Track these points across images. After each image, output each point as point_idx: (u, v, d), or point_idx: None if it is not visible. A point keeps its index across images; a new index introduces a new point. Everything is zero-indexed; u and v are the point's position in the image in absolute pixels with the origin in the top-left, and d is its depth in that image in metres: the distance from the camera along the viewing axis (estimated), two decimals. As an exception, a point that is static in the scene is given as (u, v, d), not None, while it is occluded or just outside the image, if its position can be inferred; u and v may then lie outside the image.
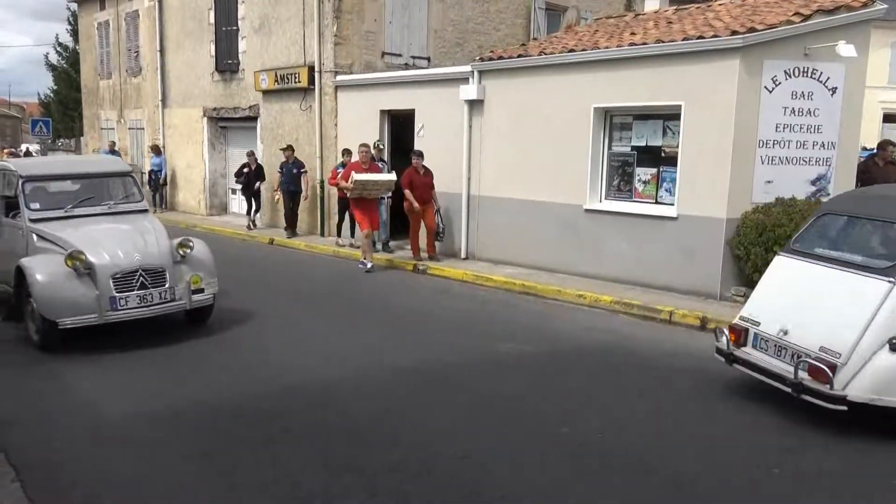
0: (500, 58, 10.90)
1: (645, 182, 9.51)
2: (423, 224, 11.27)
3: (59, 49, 37.40)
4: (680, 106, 8.81)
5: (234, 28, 16.23)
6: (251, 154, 15.19)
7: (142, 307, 6.66)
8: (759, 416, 5.25)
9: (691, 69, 8.70)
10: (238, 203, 17.78)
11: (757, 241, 8.14)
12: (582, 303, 8.88)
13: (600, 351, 6.95)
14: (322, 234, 14.23)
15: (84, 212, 7.41)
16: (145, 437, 4.78)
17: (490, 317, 8.22)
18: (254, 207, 15.29)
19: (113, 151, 19.15)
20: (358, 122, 13.39)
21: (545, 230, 10.37)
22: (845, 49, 8.22)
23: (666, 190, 9.27)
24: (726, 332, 5.71)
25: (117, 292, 6.53)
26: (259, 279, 10.34)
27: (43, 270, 6.47)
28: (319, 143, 14.16)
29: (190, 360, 6.43)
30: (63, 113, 36.36)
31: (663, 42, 8.87)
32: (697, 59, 8.63)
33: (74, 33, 31.82)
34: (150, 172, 18.82)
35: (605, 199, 9.90)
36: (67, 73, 35.64)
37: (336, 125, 13.90)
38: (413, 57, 14.73)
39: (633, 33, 9.97)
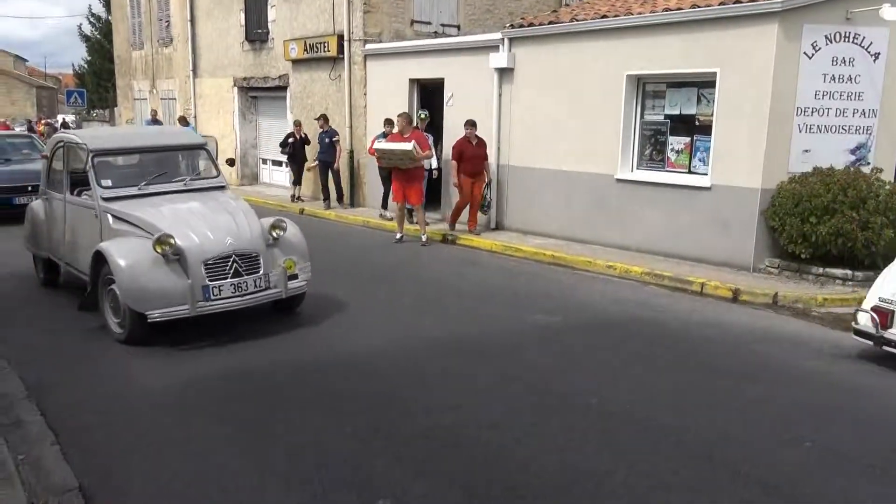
0: (531, 24, 10.71)
1: (678, 151, 9.34)
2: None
3: (91, 20, 37.69)
4: (715, 73, 8.60)
5: (264, -3, 16.18)
6: (297, 123, 14.71)
7: (236, 297, 6.00)
8: (788, 393, 5.18)
9: (727, 34, 8.47)
10: (269, 173, 17.91)
11: (793, 212, 7.97)
12: (612, 274, 8.81)
13: (630, 322, 6.90)
14: (352, 205, 14.27)
15: (159, 189, 6.77)
16: (179, 401, 4.88)
17: (519, 288, 8.20)
18: (294, 177, 15.10)
19: (155, 121, 18.95)
20: (387, 92, 13.32)
21: (575, 200, 10.27)
22: (889, 13, 7.92)
23: (699, 159, 9.10)
24: (870, 314, 5.63)
25: (210, 280, 5.88)
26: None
27: (128, 256, 5.82)
28: (349, 113, 14.13)
29: (223, 328, 6.47)
30: (97, 84, 36.73)
31: (699, 7, 8.63)
32: (734, 24, 8.39)
33: (107, 4, 32.00)
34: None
35: (637, 168, 9.75)
36: (101, 43, 35.92)
37: (365, 94, 13.84)
38: (443, 25, 14.55)
39: (667, -2, 9.72)
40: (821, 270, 8.05)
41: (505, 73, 11.09)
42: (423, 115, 11.79)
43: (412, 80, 12.94)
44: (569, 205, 10.36)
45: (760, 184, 8.32)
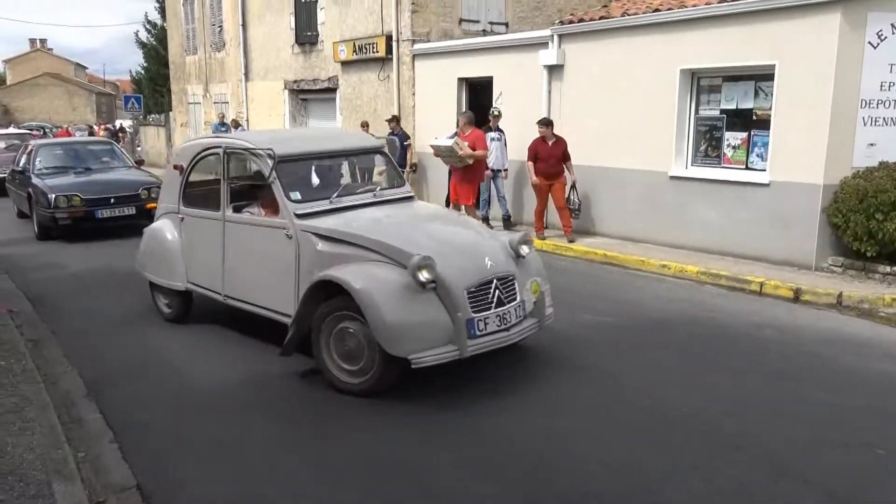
0: (581, 20, 10.56)
1: (734, 147, 9.08)
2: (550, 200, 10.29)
3: (147, 27, 38.66)
4: (774, 65, 8.33)
5: (313, 0, 16.35)
6: (365, 124, 13.94)
7: (500, 331, 4.88)
8: (855, 398, 4.96)
9: (787, 25, 8.18)
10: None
11: (857, 209, 7.66)
12: (666, 273, 8.61)
13: (684, 322, 6.72)
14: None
15: (352, 201, 5.70)
16: (240, 400, 4.92)
17: (570, 287, 8.06)
18: None
19: (223, 124, 18.88)
20: (436, 91, 13.31)
21: (628, 198, 10.08)
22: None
23: (757, 155, 8.82)
24: None
25: (474, 312, 4.79)
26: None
27: (378, 287, 4.63)
28: (398, 113, 14.16)
29: (272, 324, 6.48)
30: (153, 89, 37.68)
31: (756, -3, 8.37)
32: (794, 14, 8.10)
33: (162, 11, 32.81)
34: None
35: (692, 165, 9.51)
36: (156, 49, 36.83)
37: (414, 94, 13.86)
38: (491, 23, 14.48)
39: (723, -11, 9.44)
40: (888, 269, 7.71)
41: (554, 69, 10.95)
42: (496, 112, 11.09)
43: (461, 79, 12.90)
44: (621, 203, 10.17)
45: (822, 179, 8.01)
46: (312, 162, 5.98)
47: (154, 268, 6.72)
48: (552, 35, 10.82)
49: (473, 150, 10.24)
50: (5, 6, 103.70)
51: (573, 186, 10.21)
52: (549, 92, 11.03)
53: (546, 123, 10.18)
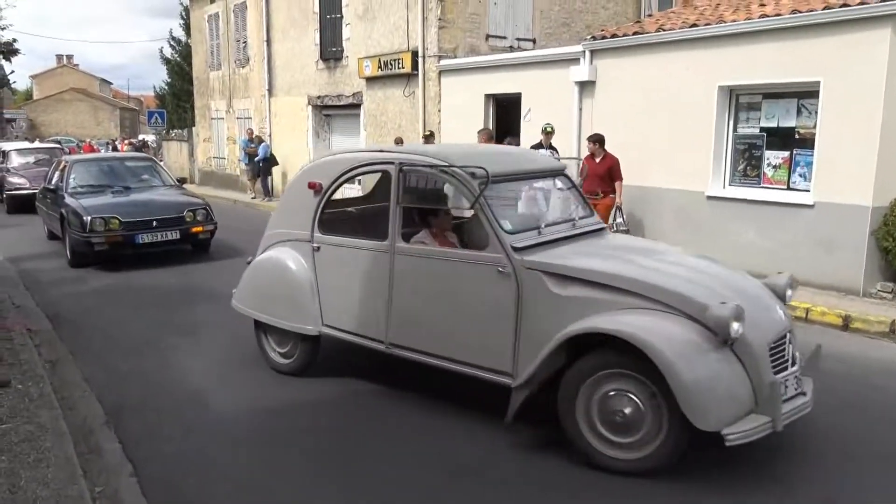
0: (614, 35, 10.31)
1: (775, 167, 8.75)
2: None
3: (172, 43, 39.01)
4: (818, 82, 8.02)
5: (339, 15, 16.26)
6: (399, 141, 13.22)
7: (798, 395, 4.09)
8: (929, 433, 4.59)
9: (832, 41, 7.88)
10: (340, 191, 17.81)
11: (910, 232, 7.31)
12: (704, 297, 8.25)
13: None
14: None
15: (557, 233, 4.76)
16: (262, 430, 4.67)
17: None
18: None
19: (251, 140, 18.75)
20: (462, 108, 13.11)
21: (662, 218, 9.77)
22: None
23: (800, 175, 8.49)
24: None
25: (774, 373, 3.94)
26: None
27: (677, 342, 3.76)
28: (422, 130, 13.96)
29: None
30: (176, 104, 37.94)
31: (800, 12, 8.07)
32: (840, 30, 7.80)
33: (187, 27, 33.05)
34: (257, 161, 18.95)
35: (730, 185, 9.19)
36: (180, 66, 37.12)
37: (439, 111, 13.66)
38: (518, 39, 14.28)
39: (762, 4, 9.16)
40: (942, 296, 7.34)
41: (586, 86, 10.70)
42: (549, 128, 10.19)
43: (488, 96, 12.68)
44: (655, 223, 9.86)
45: (871, 201, 7.66)
46: (519, 184, 5.08)
47: (269, 307, 5.53)
48: (584, 51, 10.58)
49: None
50: (34, 23, 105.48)
51: (618, 208, 9.45)
52: (580, 109, 10.78)
53: (595, 140, 9.57)
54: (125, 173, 11.67)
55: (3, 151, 19.41)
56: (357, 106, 16.11)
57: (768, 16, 8.42)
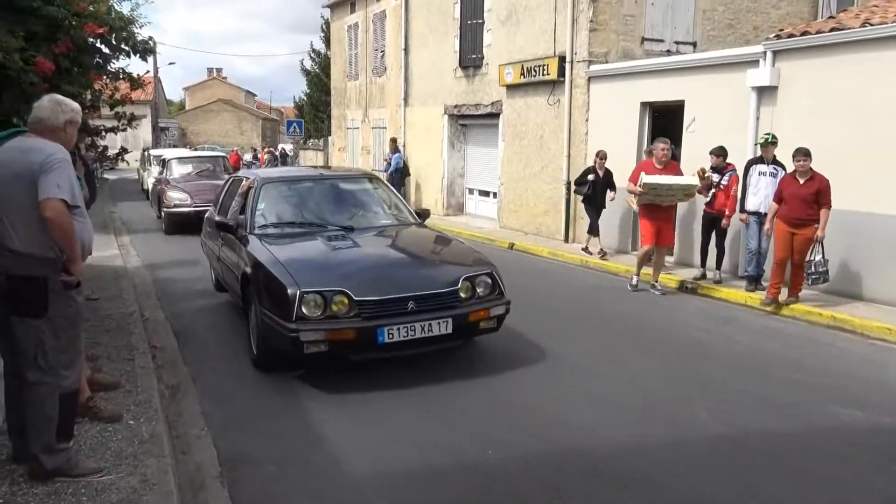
0: (805, 33, 8.85)
1: None
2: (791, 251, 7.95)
3: (312, 55, 40.14)
4: None
5: (480, 21, 15.53)
6: (603, 156, 11.19)
7: None
8: None
9: None
10: (475, 203, 17.12)
11: None
12: (927, 348, 6.69)
13: None
14: (566, 240, 12.99)
15: None
16: (397, 498, 3.82)
17: (801, 361, 6.39)
18: (597, 228, 11.45)
19: (397, 150, 18.12)
20: (613, 117, 11.96)
21: (862, 248, 8.19)
22: None
23: None
24: None
25: None
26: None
27: None
28: (567, 141, 12.92)
29: (450, 403, 5.19)
30: (314, 115, 38.94)
31: None
32: None
33: (326, 40, 33.77)
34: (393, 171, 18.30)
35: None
36: (319, 77, 38.07)
37: (587, 120, 12.56)
38: (676, 42, 12.95)
39: None
40: None
41: (765, 92, 9.28)
42: (770, 138, 8.49)
43: (644, 104, 11.46)
44: (852, 253, 8.29)
45: None
46: None
47: None
48: (764, 51, 9.18)
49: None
50: (189, 39, 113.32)
51: (819, 242, 7.81)
52: (758, 118, 9.37)
53: (803, 154, 7.78)
54: (342, 203, 7.31)
55: (164, 160, 17.07)
56: (496, 115, 15.27)
57: None
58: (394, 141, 18.53)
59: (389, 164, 17.68)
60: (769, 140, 8.48)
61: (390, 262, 6.18)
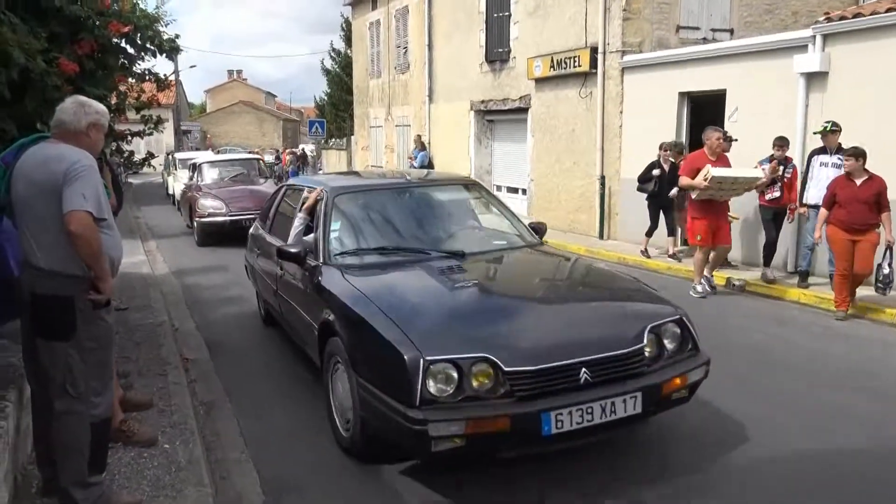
0: (857, 15, 8.39)
1: None
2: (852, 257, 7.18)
3: (332, 55, 39.89)
4: None
5: (506, 14, 15.15)
6: (667, 148, 10.25)
7: None
8: None
9: None
10: (503, 200, 16.72)
11: None
12: None
13: None
14: (601, 237, 12.60)
15: None
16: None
17: (879, 369, 5.93)
18: (667, 227, 10.55)
19: (423, 147, 17.79)
20: (648, 108, 11.54)
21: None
22: None
23: None
24: None
25: None
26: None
27: None
28: (600, 135, 12.52)
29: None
30: (335, 114, 38.68)
31: None
32: None
33: (347, 39, 33.48)
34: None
35: None
36: (339, 76, 37.81)
37: (621, 112, 12.15)
38: (713, 30, 12.49)
39: None
40: None
41: (814, 78, 8.84)
42: (832, 126, 8.01)
43: (682, 94, 11.04)
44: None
45: None
46: None
47: None
48: (813, 35, 8.74)
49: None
50: (212, 42, 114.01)
51: (888, 249, 7.08)
52: (807, 106, 8.93)
53: (858, 155, 7.12)
54: (441, 219, 5.59)
55: (195, 165, 15.40)
56: (524, 110, 14.89)
57: None
58: (419, 138, 18.22)
59: (414, 161, 17.39)
60: (829, 128, 7.96)
61: (537, 306, 4.35)
